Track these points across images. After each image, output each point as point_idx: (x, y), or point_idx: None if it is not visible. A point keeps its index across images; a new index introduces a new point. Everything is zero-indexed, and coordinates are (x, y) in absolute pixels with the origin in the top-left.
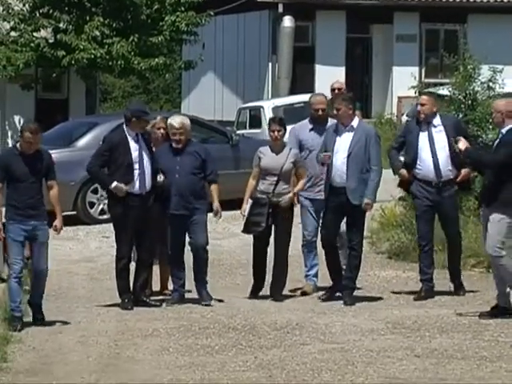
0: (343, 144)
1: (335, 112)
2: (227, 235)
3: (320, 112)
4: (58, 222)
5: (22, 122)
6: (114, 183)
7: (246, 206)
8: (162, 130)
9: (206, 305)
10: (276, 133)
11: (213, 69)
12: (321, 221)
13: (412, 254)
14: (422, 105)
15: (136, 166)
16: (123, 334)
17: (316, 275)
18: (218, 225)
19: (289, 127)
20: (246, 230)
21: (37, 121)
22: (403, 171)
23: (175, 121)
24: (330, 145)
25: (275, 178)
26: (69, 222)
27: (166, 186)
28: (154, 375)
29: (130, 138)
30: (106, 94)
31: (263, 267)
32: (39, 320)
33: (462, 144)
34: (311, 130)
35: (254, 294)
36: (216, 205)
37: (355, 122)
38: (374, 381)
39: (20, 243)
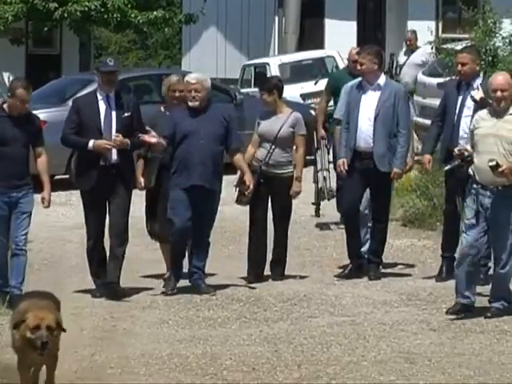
0: (369, 104)
1: (359, 67)
2: (230, 201)
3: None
4: (45, 194)
5: (11, 79)
6: (91, 141)
7: (239, 176)
8: (177, 93)
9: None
10: (265, 96)
11: (215, 23)
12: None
13: (428, 220)
14: (462, 64)
15: (103, 130)
16: (119, 306)
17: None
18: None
19: (295, 85)
20: (236, 201)
21: (27, 78)
22: (427, 157)
23: (190, 77)
24: (354, 105)
25: (270, 145)
26: (61, 186)
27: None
28: (152, 349)
29: (99, 99)
30: (101, 50)
31: (262, 244)
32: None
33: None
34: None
35: (252, 274)
36: (249, 177)
37: (382, 80)
38: (386, 356)
39: (3, 218)
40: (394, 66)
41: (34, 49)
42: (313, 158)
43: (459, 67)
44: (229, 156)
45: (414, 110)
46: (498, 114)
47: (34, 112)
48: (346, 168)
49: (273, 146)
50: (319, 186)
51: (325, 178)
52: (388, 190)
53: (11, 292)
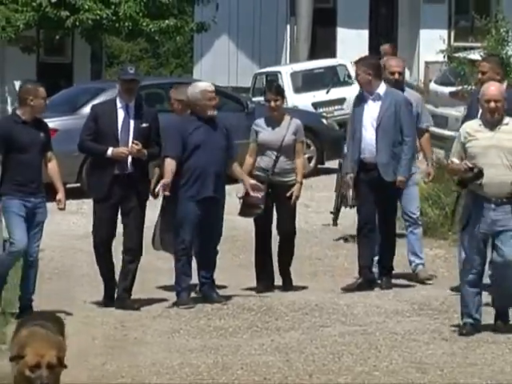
0: (371, 114)
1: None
2: None
3: (396, 75)
4: (61, 196)
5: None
6: (110, 149)
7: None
8: (175, 105)
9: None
10: (272, 102)
11: (227, 31)
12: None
13: (440, 230)
14: (483, 73)
15: (120, 139)
16: (130, 315)
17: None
18: (230, 198)
19: (307, 94)
20: (242, 213)
21: None
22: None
23: (206, 84)
24: (357, 116)
25: (275, 154)
26: (72, 194)
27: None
28: (163, 358)
29: (118, 107)
30: (112, 58)
31: (267, 254)
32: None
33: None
34: None
35: (261, 284)
36: (253, 186)
37: (382, 89)
38: (398, 366)
39: (23, 219)
40: None
41: (45, 57)
42: (324, 166)
43: (479, 76)
44: (228, 165)
45: (430, 119)
46: (492, 125)
47: (46, 120)
48: (351, 183)
49: (278, 154)
50: (343, 192)
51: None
52: (394, 200)
53: (23, 303)
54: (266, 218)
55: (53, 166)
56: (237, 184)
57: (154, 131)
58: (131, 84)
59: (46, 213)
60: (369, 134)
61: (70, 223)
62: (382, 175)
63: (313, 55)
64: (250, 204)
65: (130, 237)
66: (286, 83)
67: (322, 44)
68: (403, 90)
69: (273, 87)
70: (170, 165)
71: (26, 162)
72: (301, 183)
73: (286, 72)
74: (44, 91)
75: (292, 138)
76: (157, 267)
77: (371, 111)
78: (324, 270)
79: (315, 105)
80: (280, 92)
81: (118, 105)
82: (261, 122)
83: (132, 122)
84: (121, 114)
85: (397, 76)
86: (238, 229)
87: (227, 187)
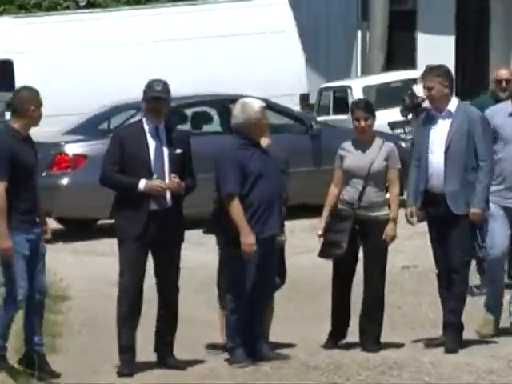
0: (440, 136)
1: (427, 92)
2: (305, 249)
3: (503, 84)
4: (46, 225)
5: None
6: (143, 182)
7: (322, 222)
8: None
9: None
10: (362, 122)
11: None
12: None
13: None
14: None
15: (153, 169)
16: (176, 376)
17: None
18: (293, 236)
19: (385, 112)
20: (321, 254)
21: None
22: None
23: (256, 103)
24: (424, 138)
25: (362, 183)
26: (104, 233)
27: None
28: None
29: (147, 131)
30: None
31: (346, 306)
32: (44, 372)
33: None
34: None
35: (333, 341)
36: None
37: (453, 105)
38: None
39: (25, 258)
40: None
41: None
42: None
43: None
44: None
45: None
46: None
47: (72, 145)
48: (415, 219)
49: (365, 184)
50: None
51: None
52: (466, 236)
53: (37, 350)
54: (347, 261)
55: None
56: (298, 220)
57: (188, 157)
58: (158, 103)
59: (44, 244)
60: (436, 159)
61: (102, 266)
62: (450, 208)
63: (389, 66)
64: (331, 242)
65: (168, 283)
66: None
67: (400, 53)
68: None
69: (361, 103)
70: (238, 206)
71: (30, 186)
72: (395, 220)
73: (357, 86)
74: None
75: (383, 164)
76: (202, 318)
77: (440, 132)
78: (404, 320)
79: (392, 125)
80: (370, 109)
81: (146, 128)
82: (348, 145)
83: (165, 149)
84: (151, 139)
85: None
86: (302, 273)
87: (287, 223)
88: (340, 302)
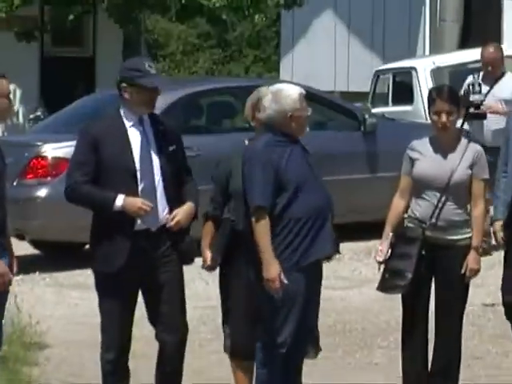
0: None
1: None
2: (357, 282)
3: None
4: (13, 259)
5: (18, 92)
6: (121, 198)
7: (385, 244)
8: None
9: None
10: (444, 117)
11: (332, 7)
12: None
13: None
14: None
15: (139, 175)
16: None
17: None
18: (342, 265)
19: None
20: (381, 287)
21: (43, 93)
22: None
23: (294, 89)
24: None
25: (438, 196)
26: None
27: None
28: None
29: (128, 125)
30: (155, 49)
31: (422, 351)
32: None
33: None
34: None
35: None
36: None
37: None
38: None
39: None
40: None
41: (52, 48)
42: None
43: None
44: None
45: None
46: None
47: (53, 145)
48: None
49: (443, 198)
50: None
51: None
52: None
53: None
54: (417, 294)
55: None
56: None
57: (182, 154)
58: (153, 94)
59: None
60: None
61: (89, 304)
62: None
63: (466, 43)
64: (394, 271)
65: (172, 323)
66: (425, 84)
67: (480, 25)
68: None
69: (445, 92)
70: (266, 226)
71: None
72: (478, 248)
73: (424, 68)
74: (8, 85)
75: (466, 172)
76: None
77: None
78: (486, 373)
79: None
80: (456, 100)
81: (127, 122)
82: (421, 145)
83: (154, 147)
84: (134, 135)
85: None
86: (352, 311)
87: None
88: (411, 346)
